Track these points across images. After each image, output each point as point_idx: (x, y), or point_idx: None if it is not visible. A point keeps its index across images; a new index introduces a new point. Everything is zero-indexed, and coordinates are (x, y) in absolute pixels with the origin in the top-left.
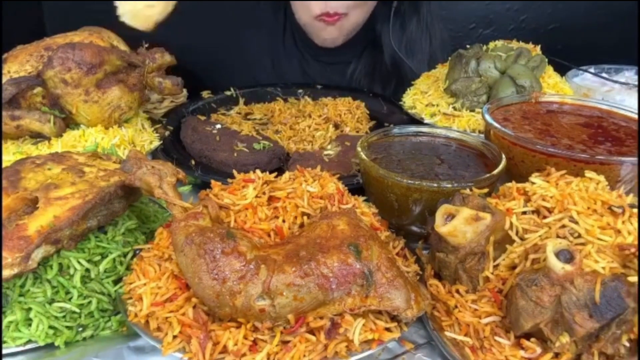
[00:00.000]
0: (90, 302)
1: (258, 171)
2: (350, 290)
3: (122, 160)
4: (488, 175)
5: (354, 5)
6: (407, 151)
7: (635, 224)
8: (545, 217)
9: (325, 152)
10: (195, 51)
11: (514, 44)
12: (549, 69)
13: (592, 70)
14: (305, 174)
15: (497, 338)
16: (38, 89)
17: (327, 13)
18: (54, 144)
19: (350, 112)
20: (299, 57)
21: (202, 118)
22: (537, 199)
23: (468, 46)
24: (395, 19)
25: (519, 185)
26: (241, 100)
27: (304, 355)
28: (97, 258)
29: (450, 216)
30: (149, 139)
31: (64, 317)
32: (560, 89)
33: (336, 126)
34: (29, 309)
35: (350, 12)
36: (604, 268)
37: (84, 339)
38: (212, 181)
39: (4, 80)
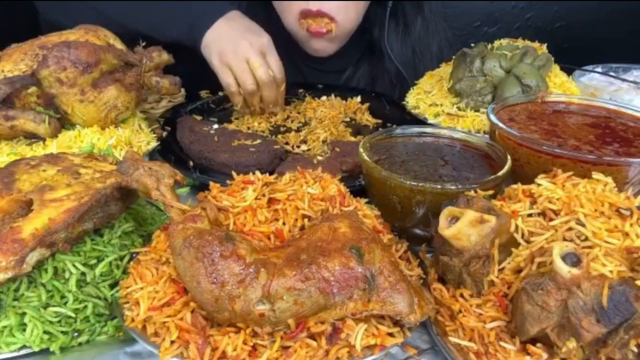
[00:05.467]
0: (86, 307)
1: (258, 172)
2: (352, 295)
3: (118, 162)
4: (493, 176)
5: (341, 8)
6: (411, 152)
7: None
8: (551, 219)
9: (318, 156)
10: (193, 50)
11: (520, 43)
12: (556, 68)
13: (599, 69)
14: (306, 175)
15: (502, 343)
16: (33, 89)
17: (309, 10)
18: (49, 145)
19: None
20: (290, 64)
21: (199, 118)
22: (543, 201)
23: (472, 45)
24: (397, 22)
25: (525, 187)
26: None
27: None
28: (93, 261)
29: (455, 219)
30: (146, 140)
31: (59, 321)
32: (567, 88)
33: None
34: (24, 314)
35: (339, 18)
36: (611, 272)
37: (80, 344)
38: (211, 183)
39: None
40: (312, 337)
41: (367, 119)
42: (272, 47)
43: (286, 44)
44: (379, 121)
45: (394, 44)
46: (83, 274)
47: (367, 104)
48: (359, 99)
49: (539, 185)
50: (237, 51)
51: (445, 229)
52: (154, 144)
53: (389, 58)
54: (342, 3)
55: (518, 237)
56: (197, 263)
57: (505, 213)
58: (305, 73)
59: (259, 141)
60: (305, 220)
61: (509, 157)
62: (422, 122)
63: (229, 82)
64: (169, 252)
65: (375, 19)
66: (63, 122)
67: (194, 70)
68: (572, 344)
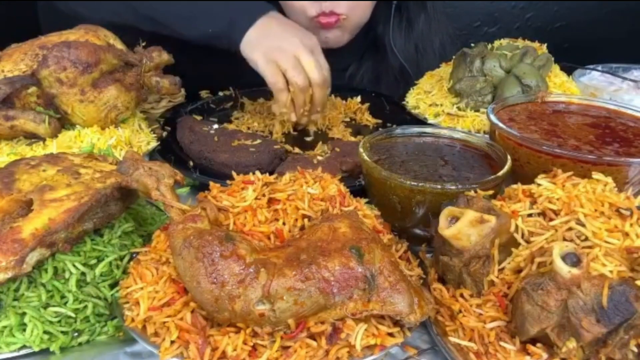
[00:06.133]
0: (86, 307)
1: (258, 172)
2: (352, 295)
3: (118, 162)
4: (493, 176)
5: (353, 6)
6: (411, 152)
7: None
8: (551, 219)
9: (318, 156)
10: (192, 51)
11: (520, 43)
12: (555, 68)
13: (599, 69)
14: (306, 175)
15: (502, 343)
16: (33, 89)
17: (322, 13)
18: (49, 145)
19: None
20: None
21: (199, 118)
22: (543, 201)
23: (472, 45)
24: (400, 19)
25: (525, 187)
26: (247, 102)
27: None
28: (93, 261)
29: (455, 219)
30: (146, 140)
31: (59, 321)
32: (567, 88)
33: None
34: (24, 314)
35: (350, 13)
36: (611, 272)
37: (80, 344)
38: (211, 183)
39: None
40: (312, 337)
41: (367, 119)
42: (319, 46)
43: None
44: (379, 121)
45: (398, 41)
46: (83, 274)
47: (367, 104)
48: (359, 99)
49: (539, 185)
50: (286, 48)
51: (445, 229)
52: (154, 144)
53: (393, 54)
54: (354, 3)
55: (518, 237)
56: (197, 263)
57: (505, 213)
58: None
59: (259, 141)
60: (305, 220)
61: (509, 157)
62: (422, 122)
63: (276, 79)
64: (169, 252)
65: (380, 16)
66: (63, 122)
67: (194, 70)
68: (572, 344)
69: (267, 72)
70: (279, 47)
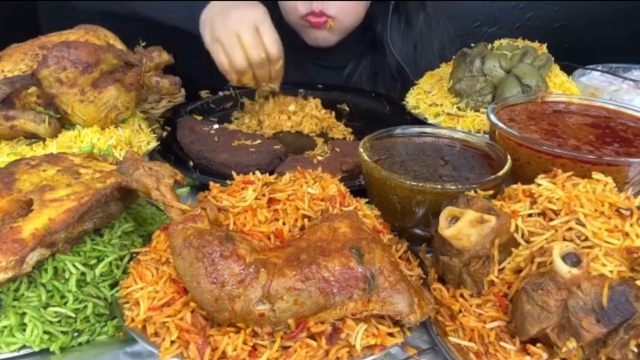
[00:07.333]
0: (86, 307)
1: (258, 172)
2: (352, 295)
3: (118, 162)
4: (493, 176)
5: (343, 8)
6: (411, 152)
7: None
8: (551, 219)
9: (318, 156)
10: (193, 50)
11: (520, 43)
12: (556, 68)
13: (599, 69)
14: (306, 175)
15: (502, 343)
16: (33, 89)
17: (312, 12)
18: (49, 145)
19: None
20: (293, 60)
21: (199, 118)
22: (543, 201)
23: (473, 45)
24: (399, 18)
25: (525, 187)
26: (247, 102)
27: None
28: (93, 261)
29: (455, 219)
30: (146, 140)
31: (59, 321)
32: (567, 88)
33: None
34: (24, 314)
35: (339, 16)
36: (611, 272)
37: (80, 344)
38: (211, 183)
39: None
40: (312, 337)
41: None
42: (266, 20)
43: (290, 41)
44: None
45: (396, 40)
46: (83, 274)
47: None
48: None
49: (539, 185)
50: (227, 24)
51: (445, 229)
52: (154, 144)
53: (391, 53)
54: (341, 4)
55: (518, 237)
56: (197, 263)
57: (505, 213)
58: (308, 69)
59: (259, 141)
60: (305, 220)
61: (509, 157)
62: (422, 122)
63: (220, 61)
64: (169, 252)
65: (378, 15)
66: (63, 122)
67: (194, 70)
68: (572, 344)
69: (212, 53)
70: (222, 24)
